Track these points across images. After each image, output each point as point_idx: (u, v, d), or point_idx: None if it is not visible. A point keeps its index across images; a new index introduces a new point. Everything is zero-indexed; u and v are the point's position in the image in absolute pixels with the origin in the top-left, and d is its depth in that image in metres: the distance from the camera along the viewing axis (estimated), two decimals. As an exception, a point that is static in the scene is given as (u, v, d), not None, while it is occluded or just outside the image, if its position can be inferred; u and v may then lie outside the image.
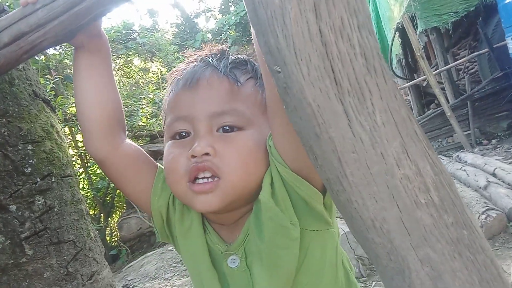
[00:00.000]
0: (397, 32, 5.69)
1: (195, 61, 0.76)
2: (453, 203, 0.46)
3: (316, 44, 0.42)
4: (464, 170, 3.49)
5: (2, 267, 0.99)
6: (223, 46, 0.81)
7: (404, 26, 5.01)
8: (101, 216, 6.72)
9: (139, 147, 0.83)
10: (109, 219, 6.98)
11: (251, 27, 0.48)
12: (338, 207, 0.51)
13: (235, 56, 0.77)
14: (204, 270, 0.76)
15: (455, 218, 0.45)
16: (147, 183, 0.80)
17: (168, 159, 0.72)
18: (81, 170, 6.44)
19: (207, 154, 0.67)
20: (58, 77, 4.50)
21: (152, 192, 0.80)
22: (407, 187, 0.45)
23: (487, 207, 2.58)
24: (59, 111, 4.44)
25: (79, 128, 0.82)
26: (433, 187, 0.45)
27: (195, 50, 0.81)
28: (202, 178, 0.68)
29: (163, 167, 0.83)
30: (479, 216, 2.48)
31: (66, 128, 6.14)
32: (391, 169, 0.44)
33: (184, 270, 3.44)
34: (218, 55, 0.76)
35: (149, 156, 0.84)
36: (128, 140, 0.81)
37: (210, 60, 0.74)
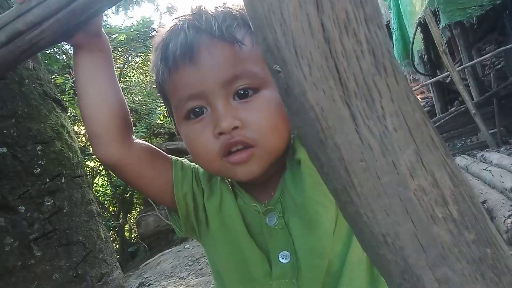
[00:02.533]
0: (419, 27, 5.52)
1: (180, 28, 0.69)
2: (475, 218, 0.40)
3: (318, 41, 0.37)
4: (489, 170, 3.35)
5: (11, 269, 0.99)
6: (198, 2, 0.73)
7: (426, 21, 4.85)
8: (120, 213, 6.82)
9: (148, 144, 0.81)
10: (128, 215, 7.08)
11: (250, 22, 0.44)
12: (347, 220, 0.46)
13: (220, 11, 0.70)
14: (240, 237, 0.75)
15: (477, 235, 0.40)
16: (167, 176, 0.79)
17: (191, 141, 0.70)
18: (101, 167, 6.54)
19: (235, 128, 0.65)
20: (77, 76, 4.55)
21: (174, 183, 0.78)
22: (422, 199, 0.40)
23: (513, 210, 2.46)
24: (78, 110, 4.51)
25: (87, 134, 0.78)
26: (452, 200, 0.40)
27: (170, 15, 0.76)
28: (236, 151, 0.67)
29: (177, 158, 0.83)
30: (505, 220, 2.37)
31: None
32: (404, 179, 0.40)
33: (200, 269, 3.44)
34: (204, 16, 0.68)
35: (159, 149, 0.82)
36: (137, 140, 0.79)
37: (198, 24, 0.67)
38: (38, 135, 1.12)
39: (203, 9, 0.70)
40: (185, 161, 0.83)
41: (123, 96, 0.78)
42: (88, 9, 0.60)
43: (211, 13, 0.69)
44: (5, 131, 1.03)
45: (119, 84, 0.78)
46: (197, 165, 0.82)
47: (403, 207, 0.40)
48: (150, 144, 0.81)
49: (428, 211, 0.40)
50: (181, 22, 0.70)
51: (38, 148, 1.10)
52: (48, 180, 1.11)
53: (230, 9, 0.70)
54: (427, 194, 0.40)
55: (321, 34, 0.37)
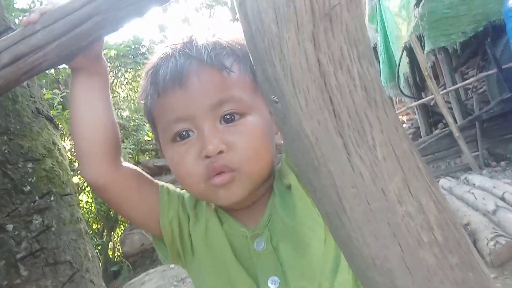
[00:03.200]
0: (404, 51, 5.69)
1: (171, 55, 0.71)
2: (458, 243, 0.43)
3: (314, 75, 0.40)
4: (472, 193, 3.42)
5: (-4, 288, 0.97)
6: (190, 31, 0.75)
7: (412, 45, 5.01)
8: (104, 230, 6.69)
9: (136, 167, 0.82)
10: (112, 233, 6.94)
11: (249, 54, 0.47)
12: (338, 243, 0.48)
13: (209, 40, 0.72)
14: (228, 263, 0.75)
15: (460, 259, 0.43)
16: (153, 201, 0.79)
17: (176, 163, 0.71)
18: (86, 183, 6.44)
19: (220, 152, 0.66)
20: (66, 91, 4.55)
21: (160, 208, 0.79)
22: (409, 224, 0.42)
23: (496, 233, 2.51)
24: (66, 124, 4.47)
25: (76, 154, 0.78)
26: (437, 226, 0.43)
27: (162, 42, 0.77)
28: (220, 173, 0.68)
29: (163, 183, 0.83)
30: (488, 242, 2.41)
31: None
32: (393, 205, 0.42)
33: (185, 289, 3.37)
34: (194, 44, 0.71)
35: (147, 175, 0.82)
36: (125, 163, 0.79)
37: (188, 51, 0.70)
38: (29, 152, 1.12)
39: (194, 38, 0.72)
40: (171, 186, 0.83)
41: (115, 119, 0.79)
42: (91, 35, 0.62)
43: (201, 42, 0.71)
44: (-4, 148, 1.03)
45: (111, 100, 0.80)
46: (183, 191, 0.82)
47: (392, 231, 0.43)
48: (138, 168, 0.81)
49: (415, 236, 0.42)
50: (172, 50, 0.72)
51: (29, 166, 1.10)
52: (37, 198, 1.11)
53: (220, 40, 0.73)
54: (414, 219, 0.42)
55: (317, 69, 0.40)
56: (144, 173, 0.82)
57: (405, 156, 0.42)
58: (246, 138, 0.68)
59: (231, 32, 0.75)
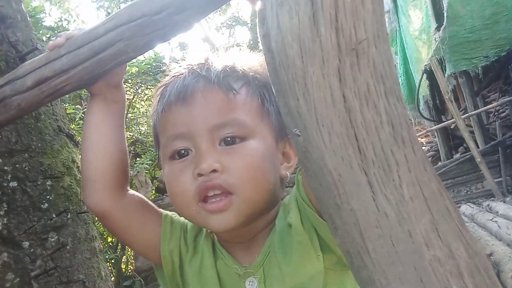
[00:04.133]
0: (424, 74, 5.64)
1: (182, 74, 0.71)
2: (490, 291, 0.40)
3: (339, 110, 0.39)
4: (496, 221, 3.30)
5: (9, 306, 0.97)
6: (207, 53, 0.75)
7: (432, 69, 4.96)
8: (118, 244, 6.70)
9: (141, 195, 0.81)
10: (126, 247, 6.95)
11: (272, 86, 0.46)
12: (359, 283, 0.46)
13: (222, 63, 0.71)
14: None
15: (492, 309, 0.40)
16: (154, 231, 0.78)
17: (171, 182, 0.69)
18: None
19: (214, 171, 0.64)
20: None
21: (162, 238, 0.77)
22: (438, 270, 0.40)
23: (521, 264, 2.40)
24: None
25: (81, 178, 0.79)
26: (467, 272, 0.40)
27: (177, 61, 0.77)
28: (213, 196, 0.65)
29: (168, 212, 0.82)
30: (513, 275, 2.31)
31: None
32: (420, 249, 0.40)
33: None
34: (206, 64, 0.71)
35: (152, 204, 0.81)
36: (131, 191, 0.79)
37: (199, 70, 0.70)
38: (49, 170, 1.13)
39: (208, 60, 0.72)
40: (175, 216, 0.82)
41: (127, 149, 0.79)
42: (114, 60, 0.63)
43: (215, 64, 0.71)
44: (17, 166, 1.05)
45: (125, 128, 0.80)
46: (186, 221, 0.80)
47: (418, 276, 0.40)
48: (143, 197, 0.80)
49: (443, 282, 0.40)
50: (184, 69, 0.72)
51: (47, 183, 1.11)
52: (54, 216, 1.11)
53: (234, 64, 0.72)
54: (443, 265, 0.40)
55: (342, 105, 0.39)
56: (148, 202, 0.81)
57: (433, 196, 0.40)
58: (243, 161, 0.65)
59: (249, 59, 0.75)
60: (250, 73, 0.71)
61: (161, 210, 0.82)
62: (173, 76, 0.73)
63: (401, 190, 0.40)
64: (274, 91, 0.45)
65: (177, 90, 0.68)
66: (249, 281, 0.70)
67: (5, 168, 1.01)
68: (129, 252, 7.29)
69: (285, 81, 0.41)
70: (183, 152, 0.68)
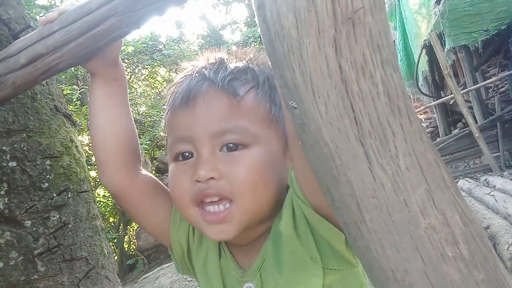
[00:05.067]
0: (424, 49, 5.58)
1: (191, 74, 0.71)
2: (484, 258, 0.41)
3: (335, 81, 0.39)
4: (493, 195, 3.34)
5: (14, 283, 0.99)
6: (223, 53, 0.74)
7: (432, 44, 4.91)
8: (120, 224, 6.79)
9: (155, 177, 0.81)
10: (128, 227, 7.04)
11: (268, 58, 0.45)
12: (356, 254, 0.47)
13: (235, 65, 0.70)
14: None
15: (486, 275, 0.41)
16: (165, 215, 0.78)
17: (172, 184, 0.69)
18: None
19: (212, 178, 0.63)
20: (84, 87, 4.61)
21: (171, 224, 0.78)
22: (433, 238, 0.40)
23: (517, 237, 2.44)
24: (84, 120, 4.54)
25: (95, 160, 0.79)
26: (462, 240, 0.41)
27: (190, 61, 0.76)
28: (210, 202, 0.65)
29: None
30: (508, 247, 2.35)
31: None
32: (415, 218, 0.40)
33: (198, 286, 3.40)
34: (216, 66, 0.70)
35: (165, 187, 0.81)
36: (143, 171, 0.79)
37: (206, 72, 0.68)
38: (47, 149, 1.13)
39: (221, 60, 0.71)
40: None
41: (134, 126, 0.79)
42: (108, 35, 0.62)
43: (224, 65, 0.69)
44: (15, 146, 1.05)
45: (129, 104, 0.79)
46: None
47: (414, 244, 0.41)
48: (157, 179, 0.81)
49: (439, 250, 0.40)
50: (195, 68, 0.71)
51: (47, 163, 1.12)
52: (55, 195, 1.12)
53: (248, 64, 0.71)
54: (438, 232, 0.40)
55: (338, 76, 0.38)
56: (163, 186, 0.81)
57: (429, 166, 0.41)
58: (242, 170, 0.64)
59: (267, 60, 0.72)
60: (262, 76, 0.69)
61: None
62: (184, 76, 0.72)
63: (397, 161, 0.40)
64: (270, 63, 0.44)
65: (182, 93, 0.68)
66: (247, 286, 0.70)
67: (4, 148, 1.01)
68: (131, 232, 7.39)
69: (281, 52, 0.40)
70: (186, 154, 0.68)
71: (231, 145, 0.65)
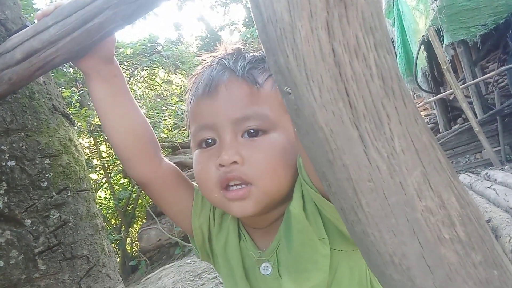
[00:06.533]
0: (422, 45, 5.57)
1: (211, 64, 0.75)
2: (481, 239, 0.41)
3: (328, 65, 0.39)
4: (494, 189, 3.33)
5: (15, 282, 0.99)
6: (239, 44, 0.79)
7: (430, 39, 4.90)
8: (122, 226, 6.79)
9: (176, 167, 0.84)
10: (130, 229, 7.04)
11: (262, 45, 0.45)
12: (354, 238, 0.47)
13: (252, 54, 0.75)
14: (238, 279, 0.77)
15: (484, 257, 0.41)
16: (187, 203, 0.82)
17: (198, 169, 0.73)
18: (104, 180, 6.54)
19: (235, 162, 0.67)
20: (83, 89, 4.61)
21: (193, 211, 0.81)
22: (429, 220, 0.40)
23: (518, 229, 2.43)
24: (83, 122, 4.54)
25: (105, 139, 0.82)
26: (459, 221, 0.41)
27: (211, 52, 0.79)
28: (234, 185, 0.68)
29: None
30: (510, 239, 2.34)
31: (91, 139, 6.28)
32: (411, 200, 0.40)
33: (201, 285, 3.40)
34: (235, 56, 0.74)
35: (186, 176, 0.84)
36: (166, 160, 0.82)
37: (226, 62, 0.72)
38: (46, 148, 1.13)
39: (239, 50, 0.75)
40: None
41: (145, 117, 0.80)
42: (103, 29, 0.62)
43: (244, 53, 0.74)
44: (14, 145, 1.05)
45: (133, 97, 0.81)
46: None
47: (410, 227, 0.41)
48: (177, 168, 0.83)
49: (435, 232, 0.40)
50: (215, 59, 0.75)
51: (46, 162, 1.12)
52: (54, 194, 1.12)
53: (264, 56, 0.74)
54: (434, 215, 0.40)
55: (331, 59, 0.38)
56: (184, 175, 0.84)
57: (425, 149, 0.41)
58: (263, 154, 0.67)
59: None
60: None
61: (194, 183, 0.84)
62: (204, 66, 0.76)
63: (392, 143, 0.40)
64: (264, 49, 0.44)
65: (204, 83, 0.71)
66: (264, 266, 0.74)
67: (2, 147, 1.01)
68: (133, 233, 7.38)
69: (274, 37, 0.40)
70: (210, 141, 0.72)
71: (252, 131, 0.68)
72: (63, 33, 0.63)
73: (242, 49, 0.76)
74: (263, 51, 0.74)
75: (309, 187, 0.64)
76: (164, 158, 0.82)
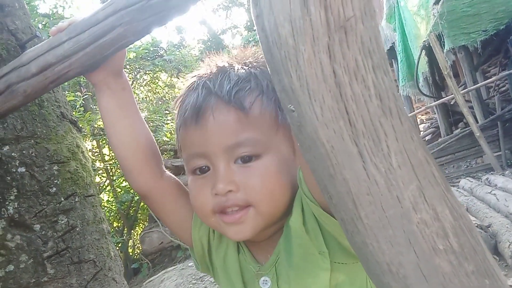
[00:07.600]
0: (423, 50, 5.60)
1: (196, 88, 0.71)
2: (474, 250, 0.43)
3: (330, 85, 0.41)
4: (494, 194, 3.35)
5: (24, 286, 1.02)
6: (223, 58, 0.75)
7: (431, 44, 4.93)
8: (125, 228, 6.81)
9: (177, 180, 0.85)
10: (132, 231, 7.06)
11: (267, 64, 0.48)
12: (354, 248, 0.49)
13: (237, 73, 0.71)
14: None
15: (476, 266, 0.43)
16: (187, 215, 0.82)
17: (193, 194, 0.73)
18: (107, 182, 6.58)
19: (230, 191, 0.67)
20: (87, 94, 4.65)
21: (193, 223, 0.82)
22: (425, 232, 0.43)
23: (519, 235, 2.45)
24: (87, 126, 4.58)
25: (107, 142, 0.84)
26: (452, 233, 0.43)
27: (194, 71, 0.77)
28: (231, 211, 0.68)
29: None
30: (510, 245, 2.36)
31: (94, 142, 6.32)
32: (408, 213, 0.43)
33: (203, 289, 3.42)
34: (220, 77, 0.70)
35: (187, 189, 0.84)
36: (167, 172, 0.83)
37: (211, 86, 0.69)
38: (55, 155, 1.16)
39: (222, 69, 0.72)
40: None
41: (149, 130, 0.82)
42: (114, 44, 0.65)
43: (227, 75, 0.70)
44: (24, 152, 1.08)
45: (139, 110, 0.83)
46: None
47: (407, 238, 0.43)
48: (178, 180, 0.84)
49: (430, 243, 0.43)
50: (199, 80, 0.72)
51: (54, 168, 1.14)
52: (63, 199, 1.15)
53: (250, 70, 0.72)
54: (429, 226, 0.43)
55: (332, 80, 0.41)
56: (183, 185, 0.84)
57: (420, 164, 0.43)
58: (259, 179, 0.67)
59: None
60: (265, 81, 0.71)
61: None
62: (188, 88, 0.73)
63: (389, 159, 0.42)
64: (268, 68, 0.47)
65: (190, 110, 0.69)
66: (263, 280, 0.74)
67: (13, 154, 1.04)
68: (135, 236, 7.41)
69: (278, 59, 0.43)
70: (203, 167, 0.71)
71: (246, 157, 0.68)
72: (76, 48, 0.65)
73: (227, 66, 0.72)
74: (247, 67, 0.72)
75: (310, 200, 0.64)
76: (165, 170, 0.83)
